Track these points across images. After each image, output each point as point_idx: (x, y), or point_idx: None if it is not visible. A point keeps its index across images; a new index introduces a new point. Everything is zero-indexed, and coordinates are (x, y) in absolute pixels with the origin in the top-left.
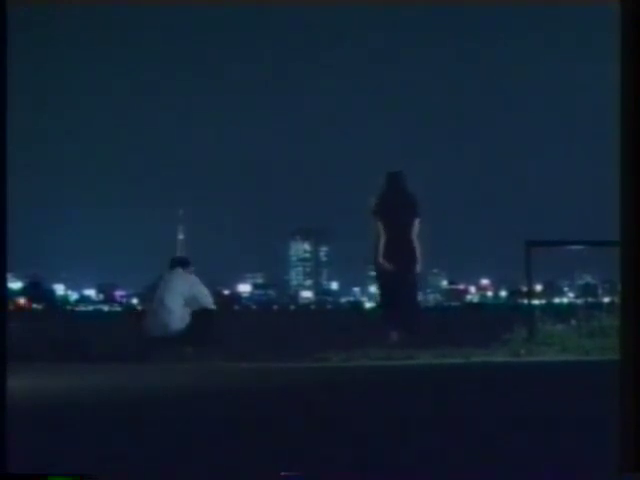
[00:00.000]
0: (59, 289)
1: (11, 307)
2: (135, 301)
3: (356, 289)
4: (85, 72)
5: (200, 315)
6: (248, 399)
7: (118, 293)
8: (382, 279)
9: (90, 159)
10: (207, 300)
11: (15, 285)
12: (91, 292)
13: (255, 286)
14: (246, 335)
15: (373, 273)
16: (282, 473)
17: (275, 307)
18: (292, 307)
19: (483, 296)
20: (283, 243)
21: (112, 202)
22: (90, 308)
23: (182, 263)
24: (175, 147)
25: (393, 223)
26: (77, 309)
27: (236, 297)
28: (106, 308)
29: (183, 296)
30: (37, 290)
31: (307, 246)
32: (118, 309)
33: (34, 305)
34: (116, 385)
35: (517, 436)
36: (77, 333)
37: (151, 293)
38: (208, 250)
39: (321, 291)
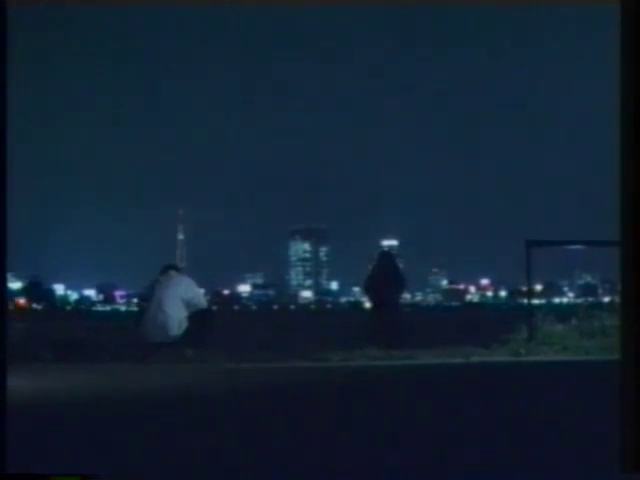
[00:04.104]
0: (59, 289)
1: (11, 307)
2: (135, 301)
3: (356, 289)
4: (85, 72)
5: (198, 317)
6: (248, 399)
7: (118, 293)
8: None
9: (90, 159)
10: (203, 301)
11: (15, 285)
12: (91, 292)
13: (255, 286)
14: (246, 335)
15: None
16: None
17: (275, 307)
18: (292, 307)
19: (483, 296)
20: (283, 243)
21: (112, 202)
22: (108, 308)
23: (174, 267)
24: (175, 147)
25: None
26: (95, 309)
27: (236, 297)
28: (123, 308)
29: (181, 299)
30: (37, 290)
31: (307, 246)
32: (135, 309)
33: (34, 305)
34: (116, 385)
35: (517, 436)
36: (80, 333)
37: (149, 293)
38: (208, 250)
39: (321, 291)
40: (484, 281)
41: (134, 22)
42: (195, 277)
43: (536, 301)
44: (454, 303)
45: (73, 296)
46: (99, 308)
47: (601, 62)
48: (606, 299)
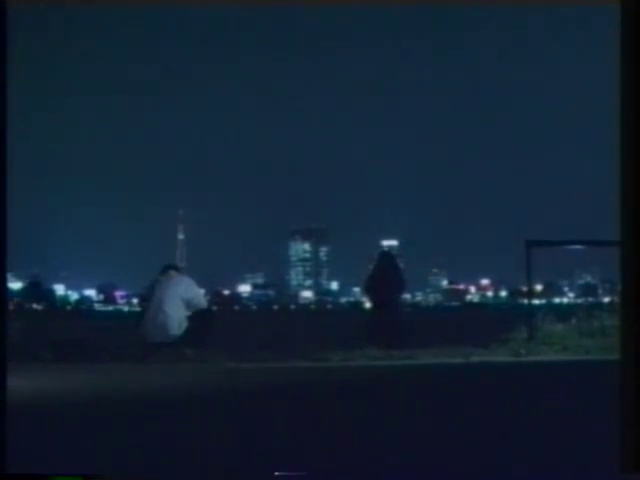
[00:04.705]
0: (59, 289)
1: (11, 307)
2: (135, 301)
3: (356, 289)
4: (85, 72)
5: (198, 317)
6: (248, 399)
7: (118, 293)
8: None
9: (90, 159)
10: (203, 301)
11: (15, 285)
12: (91, 292)
13: (255, 286)
14: (246, 335)
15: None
16: (276, 473)
17: (275, 307)
18: (292, 307)
19: (483, 296)
20: (283, 243)
21: (112, 202)
22: (110, 308)
23: (174, 268)
24: (175, 147)
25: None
26: (98, 309)
27: (236, 297)
28: (126, 308)
29: (181, 299)
30: (37, 290)
31: (307, 246)
32: (137, 309)
33: (34, 305)
34: (116, 385)
35: (517, 436)
36: (81, 333)
37: (149, 293)
38: (208, 250)
39: (321, 291)
40: (484, 281)
41: (134, 22)
42: (195, 277)
43: (536, 301)
44: (454, 303)
45: (73, 296)
46: (102, 308)
47: (601, 62)
48: (606, 299)
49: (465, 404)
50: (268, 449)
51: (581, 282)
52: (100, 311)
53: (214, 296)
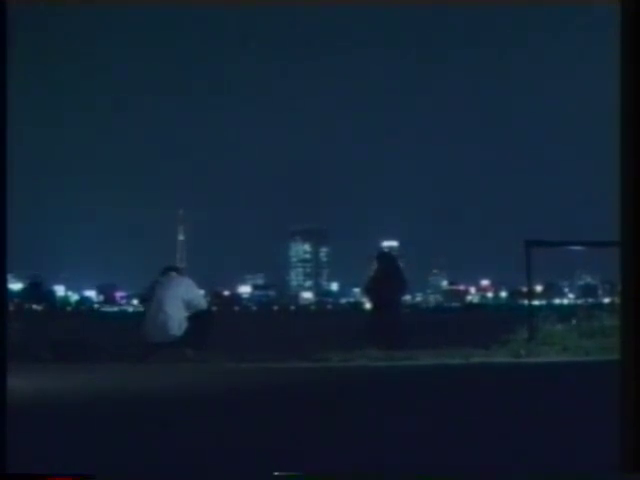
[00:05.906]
0: (59, 290)
1: (11, 308)
2: (135, 302)
3: (356, 290)
4: (85, 71)
5: (198, 317)
6: (248, 399)
7: (118, 294)
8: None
9: (90, 159)
10: (203, 302)
11: (15, 286)
12: (91, 293)
13: (255, 287)
14: (246, 336)
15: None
16: (275, 473)
17: (275, 308)
18: (292, 308)
19: (483, 297)
20: (283, 244)
21: (112, 202)
22: (115, 309)
23: (174, 269)
24: (175, 147)
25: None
26: (102, 309)
27: (236, 298)
28: (130, 309)
29: (182, 300)
30: (37, 291)
31: (307, 247)
32: (141, 310)
33: (34, 306)
34: (116, 385)
35: (517, 436)
36: (81, 333)
37: (149, 294)
38: (208, 251)
39: (321, 292)
40: (484, 282)
41: (134, 22)
42: (195, 278)
43: (536, 302)
44: (454, 304)
45: (74, 297)
46: (107, 309)
47: (601, 61)
48: (606, 300)
49: (465, 405)
50: (268, 449)
51: (581, 283)
52: (103, 312)
53: (214, 297)
